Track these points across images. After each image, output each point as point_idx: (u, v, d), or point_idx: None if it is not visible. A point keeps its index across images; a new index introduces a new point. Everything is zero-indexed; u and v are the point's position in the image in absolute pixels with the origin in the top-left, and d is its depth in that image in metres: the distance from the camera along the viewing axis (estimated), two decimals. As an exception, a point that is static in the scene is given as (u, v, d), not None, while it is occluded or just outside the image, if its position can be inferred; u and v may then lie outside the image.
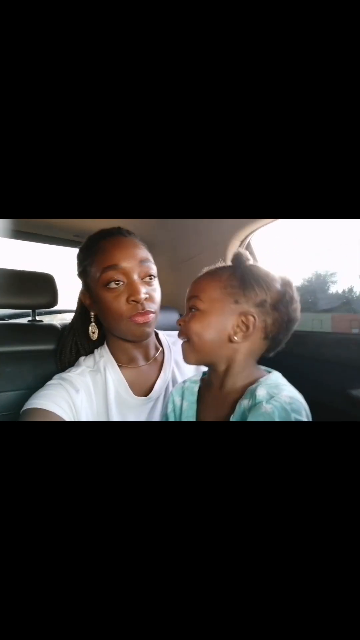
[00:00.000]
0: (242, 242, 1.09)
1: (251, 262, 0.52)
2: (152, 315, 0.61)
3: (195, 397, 0.55)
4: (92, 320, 0.67)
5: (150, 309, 0.60)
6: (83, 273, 0.65)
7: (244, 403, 0.45)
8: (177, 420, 0.55)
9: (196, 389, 0.56)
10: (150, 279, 0.63)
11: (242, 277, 0.49)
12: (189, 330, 0.50)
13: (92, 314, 0.67)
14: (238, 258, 0.51)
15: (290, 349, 0.78)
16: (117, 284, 0.59)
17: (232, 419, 0.46)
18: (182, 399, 0.56)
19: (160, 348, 0.73)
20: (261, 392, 0.44)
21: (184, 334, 0.51)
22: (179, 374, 0.71)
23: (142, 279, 0.61)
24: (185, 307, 0.53)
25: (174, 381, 0.70)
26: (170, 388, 0.68)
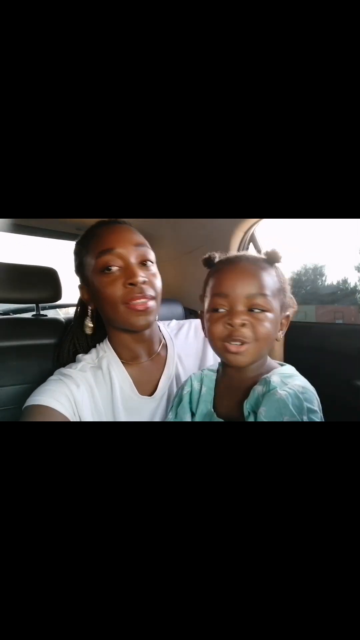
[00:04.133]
0: (245, 232, 1.08)
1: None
2: (152, 303, 0.58)
3: (213, 384, 0.56)
4: (88, 314, 0.66)
5: (149, 294, 0.58)
6: (80, 265, 0.64)
7: (258, 389, 0.46)
8: (195, 403, 0.55)
9: (214, 377, 0.56)
10: (146, 264, 0.60)
11: (282, 278, 0.50)
12: (259, 333, 0.45)
13: (90, 308, 0.66)
14: (277, 256, 0.50)
15: (294, 341, 0.78)
16: (112, 268, 0.57)
17: (246, 403, 0.46)
18: (201, 384, 0.56)
19: (163, 341, 0.72)
20: (275, 379, 0.45)
21: (248, 335, 0.46)
22: (182, 369, 0.69)
23: (139, 263, 0.59)
24: (235, 303, 0.46)
25: (177, 378, 0.68)
26: (174, 386, 0.67)
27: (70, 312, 1.67)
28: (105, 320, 0.64)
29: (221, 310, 0.47)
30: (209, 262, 0.53)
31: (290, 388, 0.43)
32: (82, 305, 0.70)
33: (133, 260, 0.58)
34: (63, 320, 1.00)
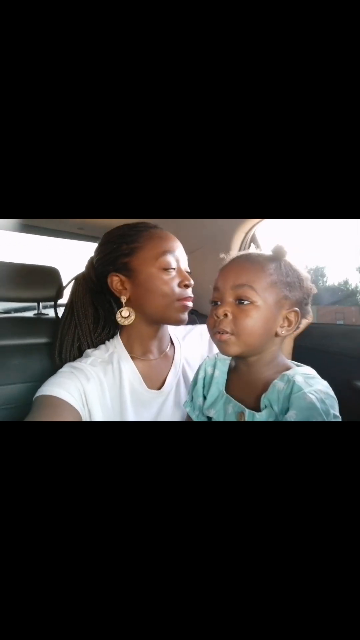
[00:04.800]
0: (247, 232, 1.08)
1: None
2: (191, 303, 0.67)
3: (227, 369, 0.57)
4: (123, 304, 0.66)
5: (192, 296, 0.67)
6: (124, 255, 0.64)
7: (279, 385, 0.46)
8: (207, 386, 0.56)
9: (228, 362, 0.57)
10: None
11: (287, 272, 0.49)
12: (241, 324, 0.47)
13: (124, 298, 0.65)
14: (281, 251, 0.50)
15: (295, 341, 0.78)
16: (172, 269, 0.64)
17: (264, 397, 0.46)
18: (214, 368, 0.57)
19: (171, 342, 0.75)
20: (299, 379, 0.45)
21: (228, 326, 0.47)
22: (189, 369, 0.72)
23: (185, 267, 0.67)
24: (224, 295, 0.49)
25: (184, 376, 0.70)
26: (182, 383, 0.69)
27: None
28: (143, 312, 0.65)
29: (218, 303, 0.49)
30: None
31: (317, 392, 0.43)
32: (88, 302, 0.70)
33: (183, 265, 0.67)
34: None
